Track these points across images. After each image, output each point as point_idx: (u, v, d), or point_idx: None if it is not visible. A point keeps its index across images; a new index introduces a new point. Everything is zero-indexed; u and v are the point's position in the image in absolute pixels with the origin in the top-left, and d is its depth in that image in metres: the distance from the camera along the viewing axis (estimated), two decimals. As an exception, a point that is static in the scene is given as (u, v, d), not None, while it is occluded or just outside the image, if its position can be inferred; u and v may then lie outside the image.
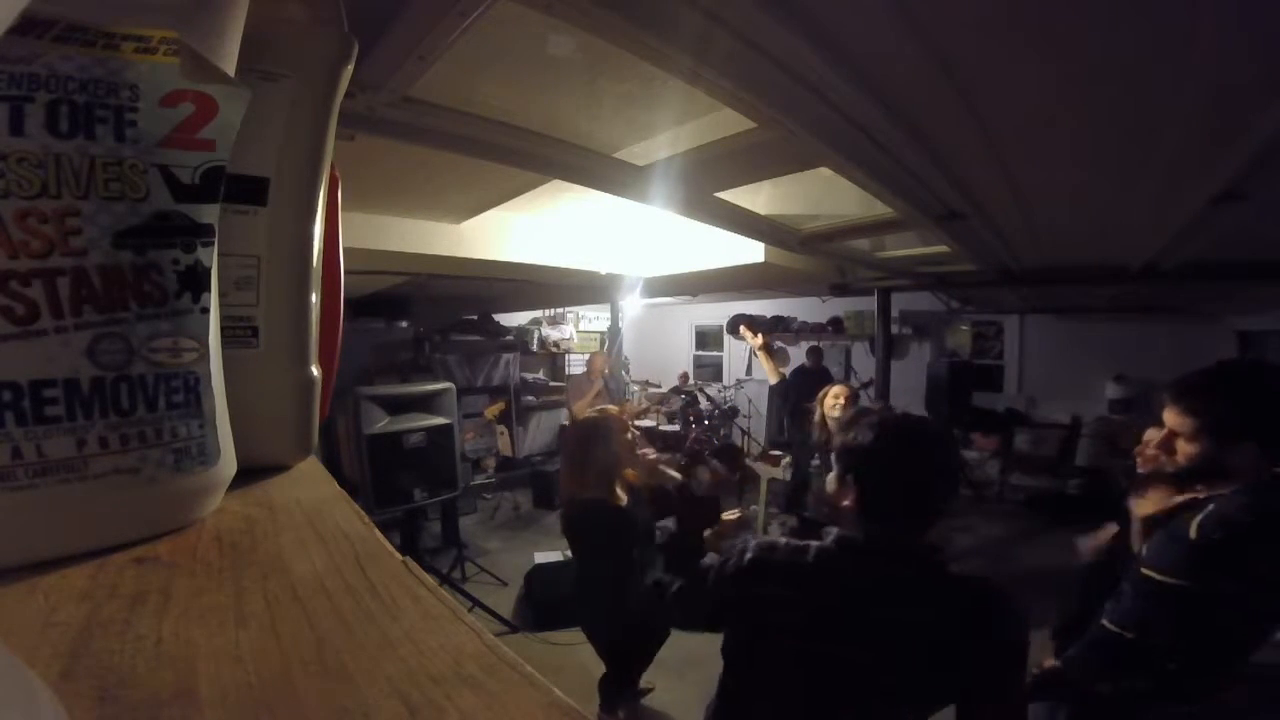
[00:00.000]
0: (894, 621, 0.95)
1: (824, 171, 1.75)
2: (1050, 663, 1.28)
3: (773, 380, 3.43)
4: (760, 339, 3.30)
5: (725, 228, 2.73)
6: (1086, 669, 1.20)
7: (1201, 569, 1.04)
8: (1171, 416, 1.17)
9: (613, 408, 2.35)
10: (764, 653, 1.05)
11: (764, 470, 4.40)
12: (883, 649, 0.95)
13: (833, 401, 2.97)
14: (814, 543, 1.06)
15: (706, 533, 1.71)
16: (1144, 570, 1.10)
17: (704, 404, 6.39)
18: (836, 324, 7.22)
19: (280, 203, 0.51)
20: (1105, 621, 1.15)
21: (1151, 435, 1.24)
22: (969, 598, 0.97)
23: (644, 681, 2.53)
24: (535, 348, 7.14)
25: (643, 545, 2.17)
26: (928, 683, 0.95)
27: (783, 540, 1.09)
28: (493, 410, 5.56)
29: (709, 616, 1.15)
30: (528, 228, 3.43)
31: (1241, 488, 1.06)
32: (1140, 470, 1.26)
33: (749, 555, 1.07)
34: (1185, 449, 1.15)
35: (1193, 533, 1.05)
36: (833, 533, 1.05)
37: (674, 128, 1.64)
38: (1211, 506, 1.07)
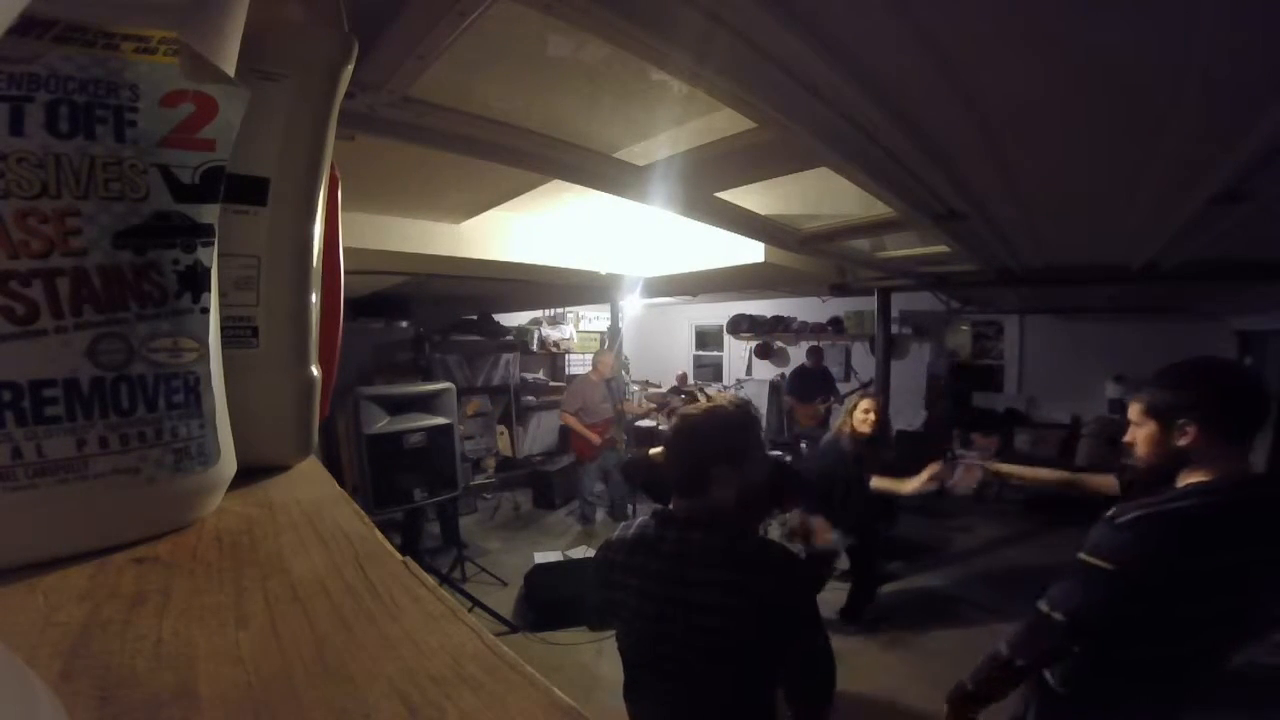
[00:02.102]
0: (688, 577, 1.11)
1: (824, 171, 1.75)
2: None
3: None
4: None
5: (725, 228, 2.73)
6: (1020, 650, 1.21)
7: (1120, 553, 1.08)
8: (1130, 409, 1.25)
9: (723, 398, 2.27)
10: (622, 621, 1.22)
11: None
12: (683, 604, 1.10)
13: (862, 416, 3.04)
14: (639, 519, 1.24)
15: None
16: (1079, 555, 1.15)
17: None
18: (836, 324, 7.22)
19: (280, 203, 0.51)
20: (1040, 605, 1.17)
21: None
22: (754, 550, 1.14)
23: None
24: (535, 348, 7.14)
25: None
26: (735, 631, 1.08)
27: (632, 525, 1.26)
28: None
29: (599, 614, 1.33)
30: (528, 228, 3.43)
31: (1187, 488, 1.10)
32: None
33: (601, 552, 1.26)
34: (1136, 434, 1.21)
35: (1114, 516, 1.11)
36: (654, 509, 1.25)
37: (674, 128, 1.64)
38: (1139, 502, 1.12)
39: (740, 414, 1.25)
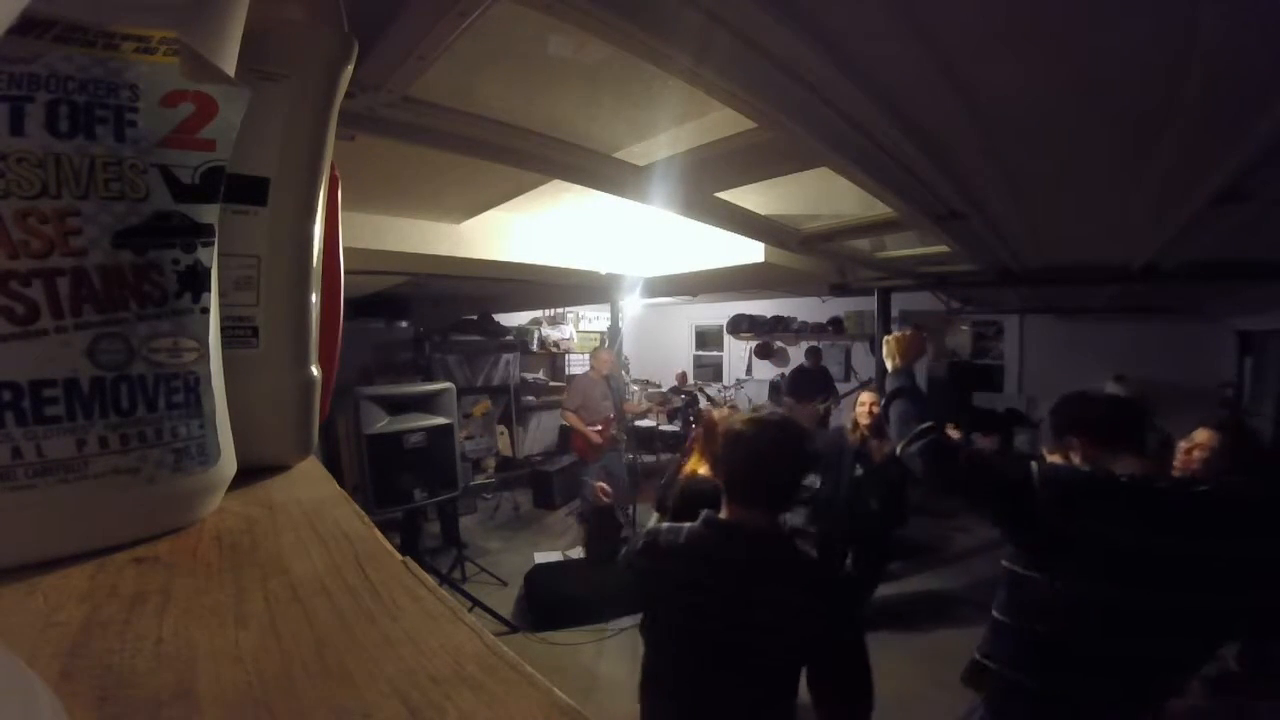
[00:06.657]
0: (753, 595, 1.07)
1: (824, 171, 1.74)
2: None
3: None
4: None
5: (725, 228, 2.73)
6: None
7: None
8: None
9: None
10: (660, 626, 1.19)
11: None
12: (744, 621, 1.07)
13: (862, 409, 3.09)
14: (687, 524, 1.18)
15: None
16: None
17: (704, 404, 6.40)
18: (836, 324, 7.22)
19: (280, 203, 0.51)
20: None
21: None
22: (814, 572, 1.14)
23: None
24: (535, 348, 7.14)
25: None
26: (779, 646, 1.08)
27: (665, 524, 1.23)
28: (479, 409, 5.55)
29: (628, 597, 1.34)
30: (528, 228, 3.43)
31: None
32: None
33: (642, 539, 1.22)
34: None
35: None
36: (702, 514, 1.18)
37: (674, 128, 1.64)
38: None
39: (804, 429, 1.23)
